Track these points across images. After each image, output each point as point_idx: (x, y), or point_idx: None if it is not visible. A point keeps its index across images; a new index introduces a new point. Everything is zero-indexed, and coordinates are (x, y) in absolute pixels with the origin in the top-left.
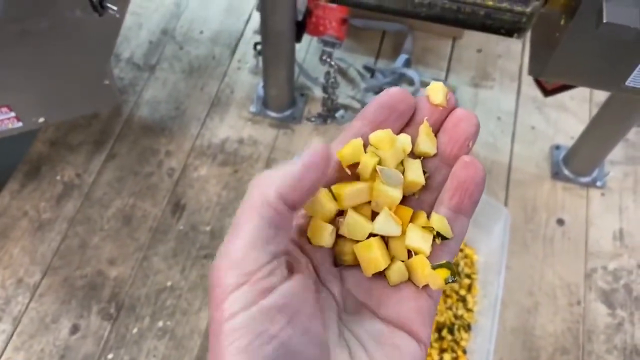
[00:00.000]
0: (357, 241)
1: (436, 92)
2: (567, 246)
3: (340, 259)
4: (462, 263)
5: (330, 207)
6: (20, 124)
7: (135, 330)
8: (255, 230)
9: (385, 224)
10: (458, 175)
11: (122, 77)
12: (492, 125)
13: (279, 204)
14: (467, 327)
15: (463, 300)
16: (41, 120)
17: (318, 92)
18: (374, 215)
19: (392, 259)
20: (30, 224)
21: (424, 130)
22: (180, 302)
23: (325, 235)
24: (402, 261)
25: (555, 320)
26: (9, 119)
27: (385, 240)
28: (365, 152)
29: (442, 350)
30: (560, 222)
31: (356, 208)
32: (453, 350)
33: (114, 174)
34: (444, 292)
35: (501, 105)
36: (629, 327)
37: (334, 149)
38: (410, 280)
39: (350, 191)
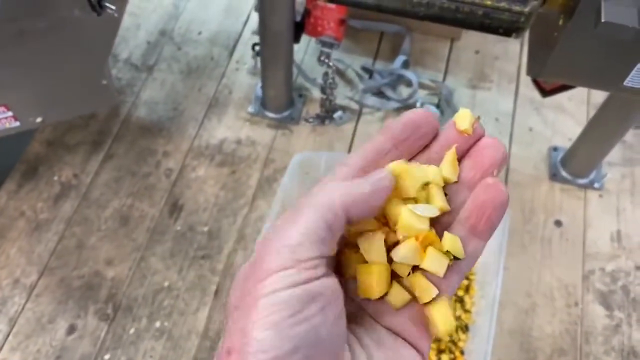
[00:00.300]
0: (361, 255)
1: (463, 119)
2: (565, 247)
3: (344, 271)
4: None
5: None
6: (17, 123)
7: (132, 331)
8: (314, 227)
9: (408, 254)
10: (478, 197)
11: (120, 77)
12: (490, 126)
13: (341, 213)
14: (465, 328)
15: (461, 301)
16: (39, 120)
17: (316, 93)
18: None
19: (394, 281)
20: (27, 224)
21: (449, 156)
22: (178, 303)
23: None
24: (402, 278)
25: (553, 321)
26: (6, 118)
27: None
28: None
29: (439, 351)
30: (558, 223)
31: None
32: (451, 351)
33: (111, 174)
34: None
35: (499, 107)
36: (627, 328)
37: (354, 161)
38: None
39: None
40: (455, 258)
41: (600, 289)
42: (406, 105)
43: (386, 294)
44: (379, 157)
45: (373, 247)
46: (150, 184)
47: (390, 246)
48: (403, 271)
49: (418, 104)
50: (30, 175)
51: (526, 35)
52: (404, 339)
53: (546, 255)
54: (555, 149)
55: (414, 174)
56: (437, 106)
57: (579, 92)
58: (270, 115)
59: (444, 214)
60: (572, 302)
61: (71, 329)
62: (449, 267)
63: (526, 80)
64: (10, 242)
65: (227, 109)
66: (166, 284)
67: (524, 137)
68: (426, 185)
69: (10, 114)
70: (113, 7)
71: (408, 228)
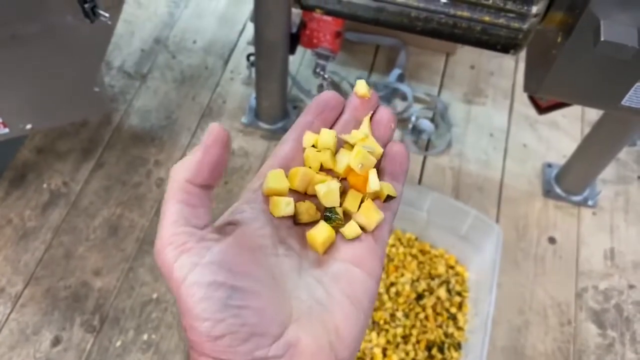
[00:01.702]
0: (308, 196)
1: (360, 86)
2: (558, 265)
3: (297, 219)
4: (453, 281)
5: (284, 186)
6: (6, 130)
7: (118, 344)
8: (175, 212)
9: (375, 179)
10: (389, 152)
11: (112, 85)
12: (485, 141)
13: (189, 187)
14: (458, 346)
15: (454, 318)
16: (29, 126)
17: None
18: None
19: (347, 216)
20: (14, 232)
21: (366, 121)
22: (166, 316)
23: (282, 207)
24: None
25: (546, 339)
26: None
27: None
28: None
29: None
30: (552, 240)
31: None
32: None
33: (101, 183)
34: (435, 309)
35: (493, 122)
36: (620, 347)
37: (289, 137)
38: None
39: (299, 172)
40: (390, 197)
41: (593, 307)
42: (401, 119)
43: (330, 247)
44: (306, 129)
45: (330, 194)
46: (140, 194)
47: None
48: (354, 207)
49: (413, 118)
50: (19, 183)
51: (522, 51)
52: (359, 267)
53: (539, 272)
54: (549, 165)
55: (323, 136)
56: (432, 120)
57: (574, 109)
58: (264, 126)
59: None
60: (565, 321)
61: (56, 341)
62: (384, 206)
63: (521, 97)
64: None
65: (220, 118)
66: (154, 295)
67: (518, 153)
68: (364, 139)
69: None
70: (107, 15)
71: (364, 157)
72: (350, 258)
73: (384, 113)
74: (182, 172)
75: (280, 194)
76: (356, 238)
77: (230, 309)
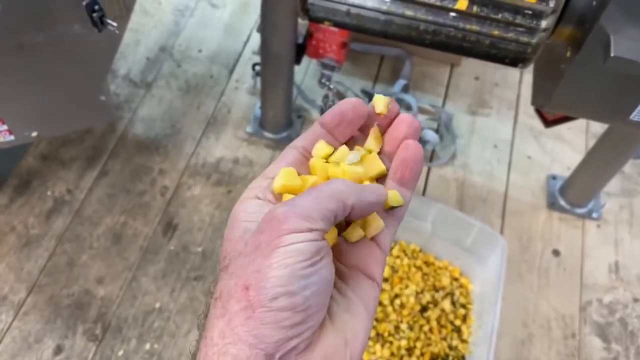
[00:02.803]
0: None
1: (378, 102)
2: (563, 278)
3: None
4: (457, 293)
5: (298, 183)
6: (12, 137)
7: (121, 353)
8: (327, 211)
9: (380, 224)
10: (400, 155)
11: (118, 93)
12: (489, 153)
13: (348, 210)
14: (462, 359)
15: (458, 330)
16: (34, 134)
17: (315, 114)
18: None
19: (352, 223)
20: (18, 240)
21: (373, 133)
22: (169, 325)
23: None
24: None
25: (550, 353)
26: (1, 132)
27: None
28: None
29: None
30: (556, 253)
31: None
32: None
33: (105, 191)
34: (439, 322)
35: (498, 134)
36: None
37: (300, 144)
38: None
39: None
40: (395, 207)
41: (597, 320)
42: None
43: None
44: (318, 139)
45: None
46: (144, 202)
47: None
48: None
49: None
50: (23, 190)
51: (530, 65)
52: (362, 272)
53: (543, 285)
54: (553, 177)
55: (339, 152)
56: (436, 131)
57: (578, 122)
58: (269, 135)
59: (380, 177)
60: (569, 334)
61: (58, 350)
62: (390, 213)
63: (525, 108)
64: None
65: (225, 127)
66: (157, 305)
67: (522, 164)
68: (368, 152)
69: (5, 127)
70: (114, 24)
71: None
72: (354, 263)
73: (403, 125)
74: (355, 197)
75: (293, 192)
76: (359, 243)
77: (305, 290)
